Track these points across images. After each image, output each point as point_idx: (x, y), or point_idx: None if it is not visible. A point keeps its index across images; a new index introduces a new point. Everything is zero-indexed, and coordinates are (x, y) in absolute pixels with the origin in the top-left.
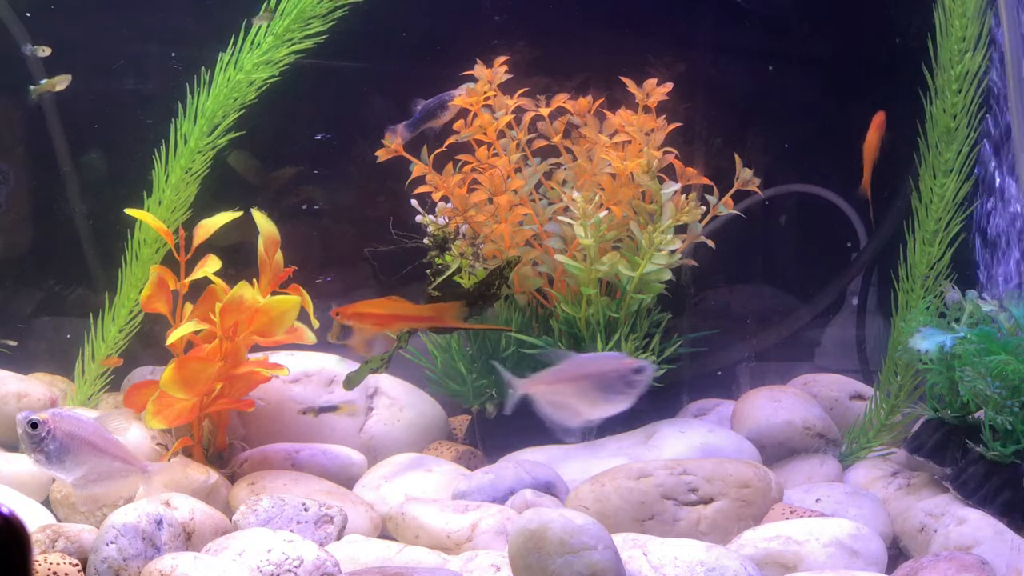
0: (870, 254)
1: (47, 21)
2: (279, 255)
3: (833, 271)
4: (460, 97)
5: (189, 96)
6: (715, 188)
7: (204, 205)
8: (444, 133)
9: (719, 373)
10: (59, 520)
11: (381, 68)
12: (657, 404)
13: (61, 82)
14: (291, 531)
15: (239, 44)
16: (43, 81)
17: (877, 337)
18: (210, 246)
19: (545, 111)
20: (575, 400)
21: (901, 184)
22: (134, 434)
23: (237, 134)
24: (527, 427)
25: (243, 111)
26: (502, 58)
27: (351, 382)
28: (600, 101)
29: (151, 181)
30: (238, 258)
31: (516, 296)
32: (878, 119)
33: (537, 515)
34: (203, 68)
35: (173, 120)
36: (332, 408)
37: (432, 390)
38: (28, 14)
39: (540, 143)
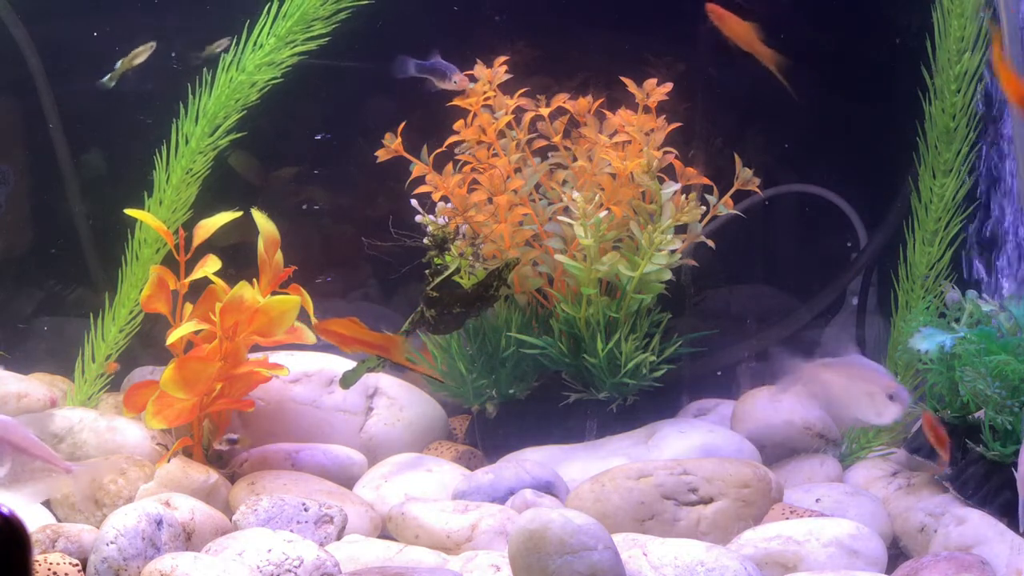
0: (870, 254)
1: (47, 21)
2: (279, 255)
3: (833, 271)
4: (460, 81)
5: (191, 97)
6: (715, 188)
7: (205, 205)
8: (438, 111)
9: (719, 373)
10: (59, 520)
11: (381, 68)
12: (657, 404)
13: (142, 53)
14: (291, 531)
15: (241, 45)
16: (118, 64)
17: (877, 337)
18: (210, 246)
19: (545, 111)
20: (831, 400)
21: (901, 184)
22: (134, 434)
23: (239, 135)
24: (527, 427)
25: (244, 112)
26: (502, 58)
27: (347, 381)
28: (600, 101)
29: (151, 181)
30: (238, 258)
31: (516, 296)
32: (717, 11)
33: (537, 515)
34: (205, 69)
35: (175, 121)
36: (233, 441)
37: (432, 390)
38: (153, 43)
39: (540, 143)
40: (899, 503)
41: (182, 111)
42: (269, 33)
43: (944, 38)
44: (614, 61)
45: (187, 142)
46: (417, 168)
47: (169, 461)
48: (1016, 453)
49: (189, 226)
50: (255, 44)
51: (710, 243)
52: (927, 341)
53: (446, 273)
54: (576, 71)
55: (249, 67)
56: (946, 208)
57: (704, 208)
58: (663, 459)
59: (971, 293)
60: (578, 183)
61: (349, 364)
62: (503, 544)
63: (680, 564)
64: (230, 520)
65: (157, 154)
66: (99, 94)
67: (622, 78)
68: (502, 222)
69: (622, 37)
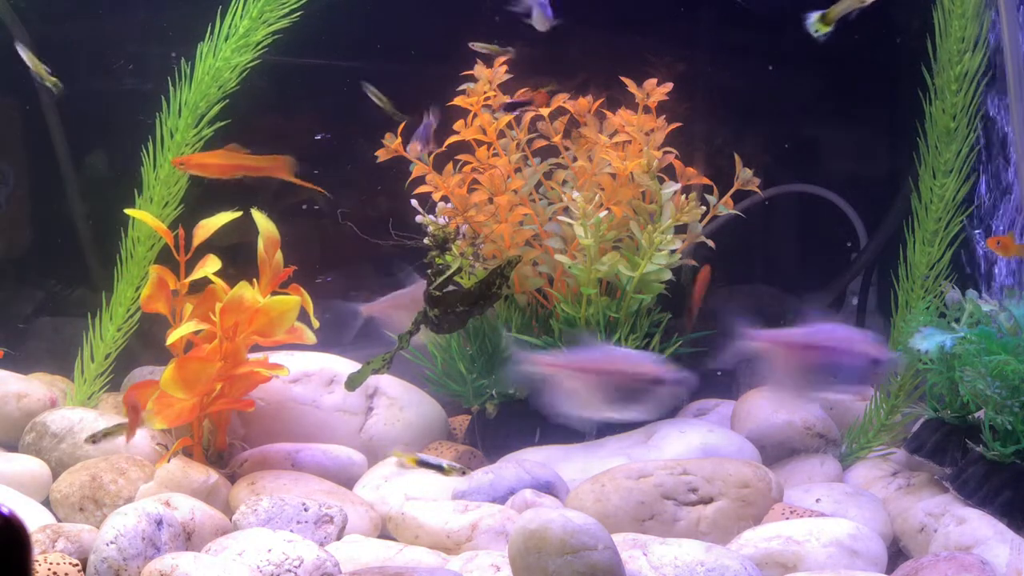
0: (870, 254)
1: (46, 21)
2: (279, 255)
3: (833, 271)
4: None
5: (173, 90)
6: (715, 188)
7: (204, 204)
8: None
9: (719, 373)
10: (59, 520)
11: (381, 68)
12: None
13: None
14: (291, 531)
15: (216, 33)
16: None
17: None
18: (210, 246)
19: (545, 111)
20: (590, 394)
21: (901, 184)
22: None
23: (222, 123)
24: (527, 427)
25: (227, 100)
26: (502, 58)
27: (353, 383)
28: (600, 101)
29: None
30: (238, 258)
31: (516, 296)
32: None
33: (537, 515)
34: (183, 60)
35: (158, 115)
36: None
37: (432, 390)
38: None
39: (540, 143)
40: (899, 503)
41: (164, 105)
42: (242, 15)
43: (945, 38)
44: (614, 61)
45: (172, 136)
46: (417, 168)
47: (169, 461)
48: (1016, 453)
49: (184, 223)
50: (230, 28)
51: (710, 243)
52: (927, 341)
53: (449, 272)
54: (576, 71)
55: (226, 51)
56: (946, 208)
57: (704, 208)
58: (663, 459)
59: (971, 293)
60: (578, 183)
61: (351, 364)
62: (503, 544)
63: (680, 564)
64: (230, 520)
65: (144, 150)
66: (99, 94)
67: (622, 78)
68: (502, 222)
69: (622, 37)
